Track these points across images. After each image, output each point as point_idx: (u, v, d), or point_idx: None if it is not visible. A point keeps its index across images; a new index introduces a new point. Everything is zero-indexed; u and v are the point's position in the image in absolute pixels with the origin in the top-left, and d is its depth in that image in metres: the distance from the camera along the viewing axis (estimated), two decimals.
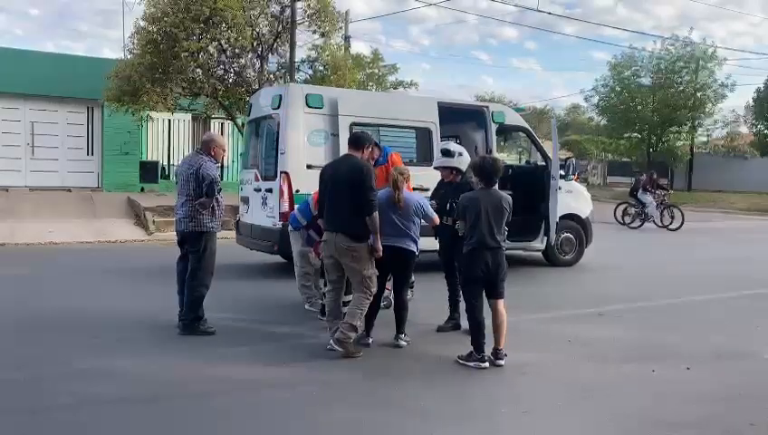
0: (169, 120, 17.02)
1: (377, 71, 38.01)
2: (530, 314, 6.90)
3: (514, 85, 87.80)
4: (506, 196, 5.26)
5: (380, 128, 8.82)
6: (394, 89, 38.34)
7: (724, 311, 7.68)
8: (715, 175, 32.85)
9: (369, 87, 34.36)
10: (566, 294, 8.52)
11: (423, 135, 9.16)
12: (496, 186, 5.45)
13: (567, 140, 40.83)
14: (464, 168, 6.28)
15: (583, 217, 10.60)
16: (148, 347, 5.51)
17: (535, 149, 10.30)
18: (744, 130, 37.88)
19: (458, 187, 6.15)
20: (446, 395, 4.65)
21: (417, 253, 5.76)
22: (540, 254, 10.38)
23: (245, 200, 9.53)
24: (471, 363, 5.18)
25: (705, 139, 34.61)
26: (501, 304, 5.29)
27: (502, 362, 5.21)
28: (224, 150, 6.10)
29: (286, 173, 8.42)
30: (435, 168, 6.61)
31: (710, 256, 12.62)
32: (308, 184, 8.37)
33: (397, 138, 8.87)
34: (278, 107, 8.64)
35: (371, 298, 5.44)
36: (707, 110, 31.28)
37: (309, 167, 8.49)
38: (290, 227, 7.19)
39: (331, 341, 5.45)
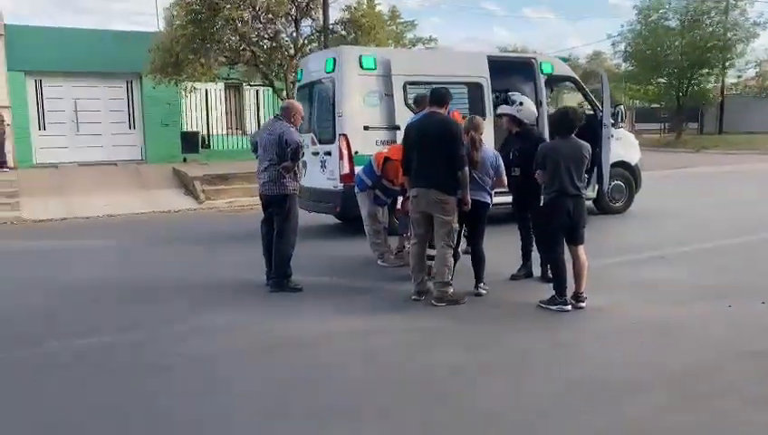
0: (206, 91, 17.24)
1: (395, 28, 37.76)
2: (595, 259, 7.06)
3: (529, 36, 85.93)
4: (585, 144, 5.43)
5: (433, 85, 8.93)
6: (413, 46, 38.13)
7: None
8: (746, 117, 32.36)
9: (388, 45, 34.13)
10: (625, 240, 8.70)
11: (475, 90, 9.30)
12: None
13: (592, 90, 40.25)
14: (522, 118, 6.47)
15: (632, 164, 10.70)
16: (247, 305, 5.83)
17: (584, 98, 10.36)
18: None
19: (521, 137, 6.39)
20: (536, 335, 4.93)
21: (490, 204, 6.00)
22: (590, 202, 10.51)
23: (303, 164, 9.75)
24: (553, 307, 5.42)
25: (735, 80, 34.00)
26: (581, 249, 5.51)
27: (583, 305, 5.45)
28: (302, 117, 6.32)
29: (345, 135, 8.63)
30: (497, 115, 6.79)
31: (757, 198, 12.65)
32: (366, 145, 8.64)
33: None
34: (332, 70, 8.80)
35: (452, 250, 5.70)
36: (739, 50, 30.65)
37: (366, 128, 8.72)
38: (356, 189, 7.44)
39: (416, 295, 5.75)
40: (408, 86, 8.83)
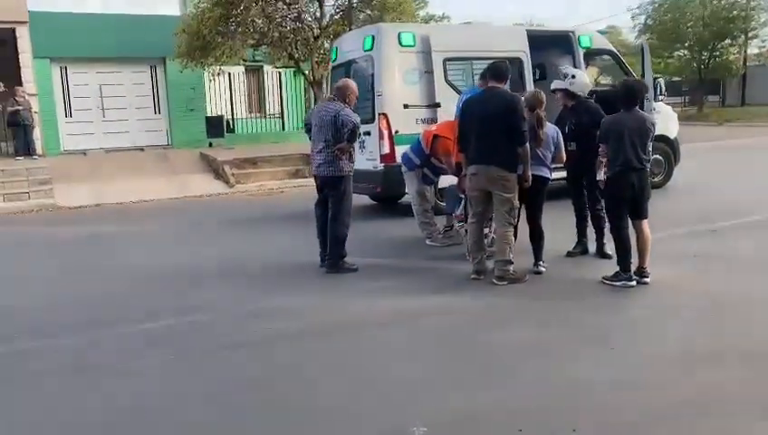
0: (230, 74, 17.15)
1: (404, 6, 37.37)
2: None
3: (538, 10, 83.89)
4: (650, 116, 5.33)
5: (473, 61, 8.86)
6: (425, 23, 37.80)
7: None
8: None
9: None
10: (671, 214, 8.51)
11: (514, 65, 9.14)
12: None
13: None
14: (575, 90, 6.34)
15: (671, 137, 10.54)
16: (307, 287, 5.80)
17: (622, 72, 10.17)
18: None
19: (575, 110, 6.27)
20: (605, 311, 4.89)
21: (550, 179, 5.93)
22: None
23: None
24: (618, 283, 5.34)
25: (758, 51, 33.44)
26: (645, 224, 5.43)
27: (647, 280, 5.36)
28: (357, 97, 6.25)
29: (384, 115, 8.55)
30: (551, 90, 6.67)
31: None
32: (406, 124, 8.57)
33: None
34: (371, 48, 8.70)
35: (513, 228, 5.63)
36: (762, 20, 30.09)
37: (405, 106, 8.63)
38: (403, 169, 7.38)
39: (475, 274, 5.70)
40: (447, 62, 8.73)
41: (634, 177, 5.27)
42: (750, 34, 30.72)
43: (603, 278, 5.47)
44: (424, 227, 7.23)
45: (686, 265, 5.96)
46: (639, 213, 5.41)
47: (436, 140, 6.89)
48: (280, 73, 18.61)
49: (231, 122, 18.20)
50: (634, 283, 5.33)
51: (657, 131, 9.87)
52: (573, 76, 6.47)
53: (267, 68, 18.69)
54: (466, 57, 8.76)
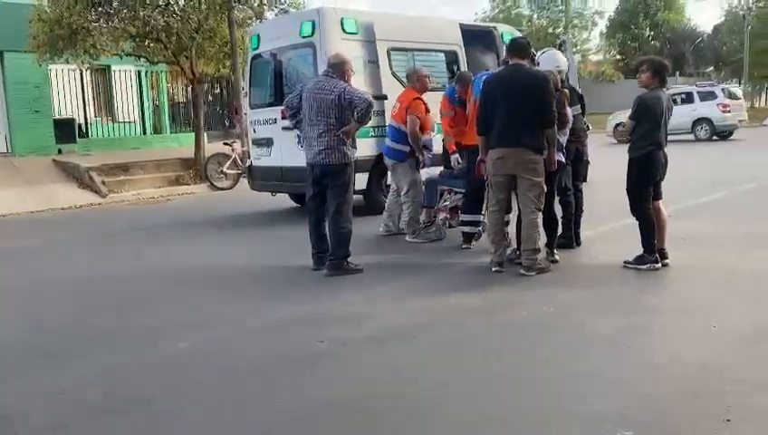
0: (81, 72, 15.01)
1: None
2: (609, 223, 6.98)
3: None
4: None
5: (415, 53, 8.48)
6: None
7: None
8: (586, 100, 35.13)
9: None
10: (613, 205, 8.47)
11: (451, 58, 8.95)
12: None
13: None
14: None
15: None
16: (315, 291, 5.02)
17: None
18: (596, 57, 40.78)
19: None
20: (654, 295, 4.72)
21: (565, 163, 5.70)
22: None
23: (264, 142, 8.77)
24: (643, 266, 5.19)
25: (577, 64, 36.98)
26: (662, 204, 5.38)
27: (668, 262, 5.30)
28: (354, 73, 5.58)
29: None
30: None
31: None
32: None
33: (430, 62, 8.54)
34: (311, 35, 7.94)
35: (541, 214, 5.30)
36: (584, 37, 33.37)
37: None
38: (390, 162, 6.80)
39: (497, 266, 5.29)
40: (392, 52, 8.25)
41: (662, 156, 5.19)
42: (575, 49, 33.85)
43: (625, 263, 5.31)
44: (412, 224, 6.64)
45: (685, 247, 5.84)
46: (658, 193, 5.35)
47: (410, 110, 6.43)
48: (140, 73, 16.76)
49: (84, 126, 16.03)
50: (660, 265, 5.23)
51: None
52: (538, 63, 6.31)
53: (117, 67, 16.62)
54: (410, 48, 8.36)
